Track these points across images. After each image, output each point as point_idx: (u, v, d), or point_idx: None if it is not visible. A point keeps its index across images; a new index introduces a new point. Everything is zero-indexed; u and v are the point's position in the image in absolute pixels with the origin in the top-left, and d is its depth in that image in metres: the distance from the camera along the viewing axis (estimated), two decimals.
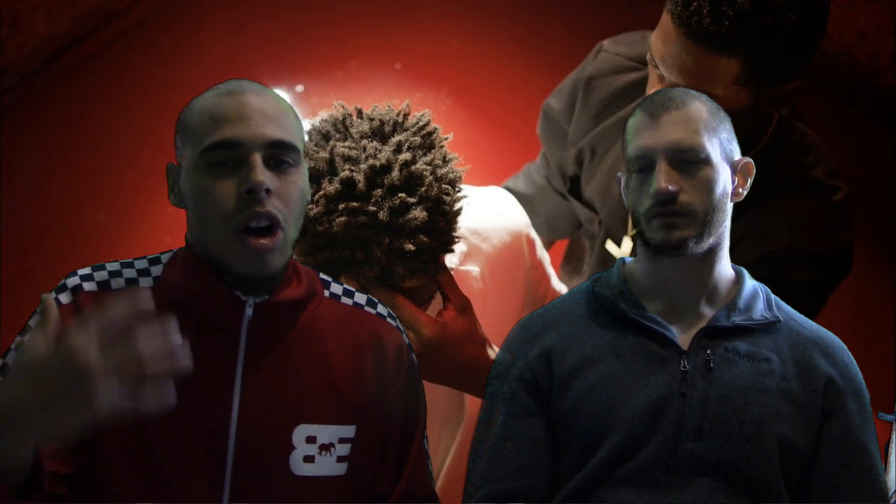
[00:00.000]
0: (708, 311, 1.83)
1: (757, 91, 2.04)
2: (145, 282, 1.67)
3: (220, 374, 1.63)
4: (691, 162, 1.77)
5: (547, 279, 2.33)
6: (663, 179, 1.76)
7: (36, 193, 3.46)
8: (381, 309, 1.79)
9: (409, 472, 1.75)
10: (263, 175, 1.59)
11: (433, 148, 1.93)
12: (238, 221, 1.59)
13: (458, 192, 1.93)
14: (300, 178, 1.65)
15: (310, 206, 1.86)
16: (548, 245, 2.75)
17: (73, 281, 1.66)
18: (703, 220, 1.77)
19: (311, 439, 1.66)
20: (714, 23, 1.97)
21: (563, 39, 3.66)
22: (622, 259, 1.92)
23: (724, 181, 1.80)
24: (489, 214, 2.19)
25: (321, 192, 1.86)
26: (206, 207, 1.61)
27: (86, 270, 1.68)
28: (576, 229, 2.70)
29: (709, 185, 1.78)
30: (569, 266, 2.78)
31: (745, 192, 1.84)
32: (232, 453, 1.62)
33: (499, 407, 1.84)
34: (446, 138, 1.96)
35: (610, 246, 2.39)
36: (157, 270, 1.69)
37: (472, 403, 2.10)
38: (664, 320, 1.81)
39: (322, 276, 1.78)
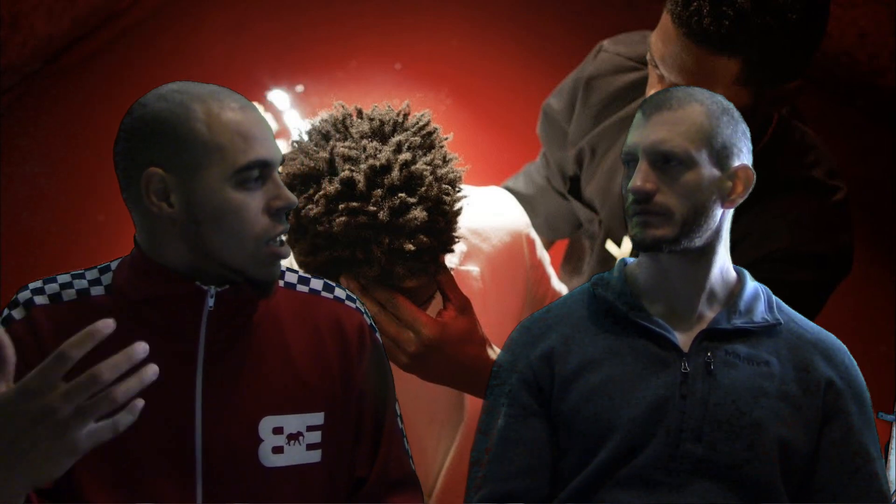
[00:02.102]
0: (709, 313, 1.82)
1: (757, 91, 2.04)
2: (96, 291, 1.68)
3: (180, 375, 1.64)
4: (672, 163, 1.77)
5: (547, 279, 2.33)
6: (639, 178, 1.77)
7: (36, 193, 3.46)
8: (338, 292, 1.79)
9: (383, 453, 1.75)
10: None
11: (433, 148, 1.93)
12: (273, 235, 1.64)
13: (458, 192, 1.93)
14: None
15: (310, 207, 1.86)
16: (548, 245, 2.75)
17: (24, 296, 1.66)
18: (681, 221, 1.77)
19: (277, 430, 1.67)
20: (714, 23, 1.97)
21: (563, 39, 3.66)
22: (623, 260, 1.92)
23: (711, 185, 1.78)
24: (489, 214, 2.19)
25: (321, 192, 1.86)
26: (238, 221, 1.62)
27: (37, 284, 1.68)
28: (576, 229, 2.70)
29: (689, 189, 1.77)
30: (569, 266, 2.78)
31: (741, 199, 1.82)
32: (200, 451, 1.63)
33: (500, 408, 1.84)
34: (446, 138, 1.96)
35: (610, 246, 2.39)
36: (107, 279, 1.69)
37: (472, 403, 2.10)
38: (665, 322, 1.81)
39: None
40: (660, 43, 2.05)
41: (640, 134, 1.79)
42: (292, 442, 1.67)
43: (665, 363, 1.78)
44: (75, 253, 3.36)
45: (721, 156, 1.79)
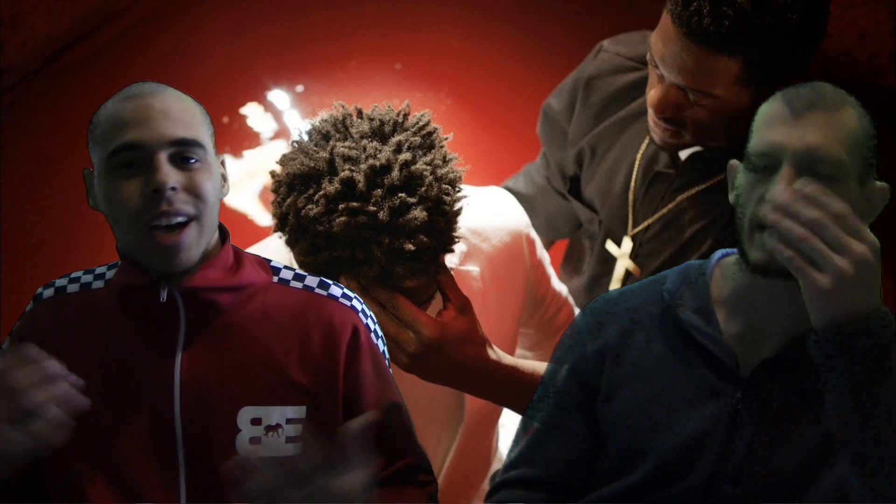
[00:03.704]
0: (781, 338, 1.63)
1: (757, 91, 2.04)
2: (97, 284, 1.74)
3: (160, 365, 1.67)
4: (823, 176, 1.52)
5: (547, 279, 2.32)
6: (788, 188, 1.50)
7: (36, 193, 3.47)
8: (333, 290, 1.79)
9: (408, 461, 1.76)
10: (167, 174, 1.62)
11: (433, 148, 1.92)
12: (146, 219, 1.63)
13: (458, 192, 1.93)
14: (208, 173, 1.68)
15: (310, 206, 1.86)
16: (548, 245, 2.75)
17: (39, 289, 1.76)
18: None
19: (256, 421, 1.68)
20: (714, 23, 1.97)
21: (563, 39, 3.67)
22: (722, 252, 1.72)
23: (851, 204, 1.50)
24: (489, 214, 2.19)
25: (321, 192, 1.86)
26: (115, 209, 1.65)
27: (56, 279, 1.76)
28: (576, 229, 2.69)
29: None
30: (569, 266, 2.78)
31: (870, 222, 1.57)
32: (181, 439, 1.66)
33: (552, 391, 1.79)
34: (446, 138, 1.96)
35: (610, 246, 2.39)
36: (110, 274, 1.75)
37: (472, 403, 2.10)
38: (737, 341, 1.63)
39: (273, 263, 1.79)
40: (660, 43, 2.05)
41: (789, 134, 1.54)
42: (270, 434, 1.68)
43: (717, 393, 1.63)
44: (75, 253, 3.37)
45: (863, 171, 1.57)
